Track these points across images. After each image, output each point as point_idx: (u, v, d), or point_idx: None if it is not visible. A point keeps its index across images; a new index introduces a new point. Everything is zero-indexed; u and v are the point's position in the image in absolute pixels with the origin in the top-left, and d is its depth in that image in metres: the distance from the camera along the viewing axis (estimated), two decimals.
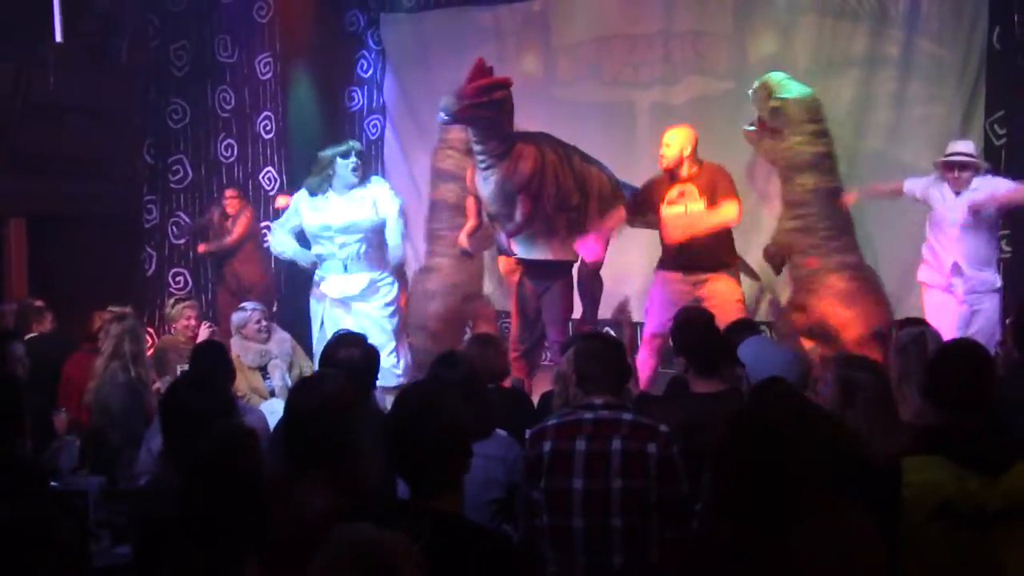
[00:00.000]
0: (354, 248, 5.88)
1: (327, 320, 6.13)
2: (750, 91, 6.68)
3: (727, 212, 6.16)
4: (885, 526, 2.43)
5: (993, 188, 6.05)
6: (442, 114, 5.99)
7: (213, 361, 4.31)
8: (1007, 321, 5.83)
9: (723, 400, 3.38)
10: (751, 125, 6.72)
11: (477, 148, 6.10)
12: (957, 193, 6.07)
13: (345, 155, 5.90)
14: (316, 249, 6.07)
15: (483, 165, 6.14)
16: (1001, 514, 2.43)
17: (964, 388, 2.56)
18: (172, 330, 6.48)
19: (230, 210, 8.18)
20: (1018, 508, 2.44)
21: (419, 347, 6.70)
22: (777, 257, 6.70)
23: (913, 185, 6.35)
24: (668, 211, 6.28)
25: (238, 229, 8.05)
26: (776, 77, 6.62)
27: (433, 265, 7.11)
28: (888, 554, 2.38)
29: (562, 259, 6.55)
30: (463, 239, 6.61)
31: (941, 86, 7.38)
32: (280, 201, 7.39)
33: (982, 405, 2.56)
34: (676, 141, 6.21)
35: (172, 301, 6.65)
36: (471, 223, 6.58)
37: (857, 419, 2.90)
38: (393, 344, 6.12)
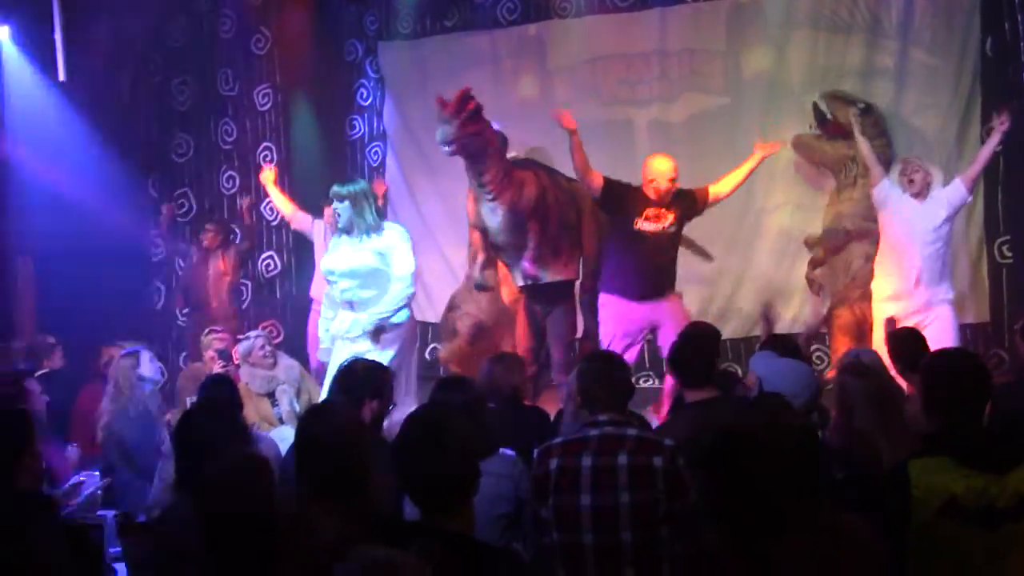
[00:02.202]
0: (354, 293, 5.62)
1: (337, 357, 5.67)
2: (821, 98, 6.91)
3: (734, 178, 6.36)
4: (895, 527, 2.48)
5: (950, 196, 6.15)
6: (444, 147, 6.05)
7: (219, 392, 4.35)
8: (1016, 327, 5.86)
9: (713, 406, 3.44)
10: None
11: (481, 180, 6.15)
12: (918, 199, 6.16)
13: (339, 199, 5.57)
14: (329, 290, 5.90)
15: (489, 196, 6.17)
16: (1010, 511, 2.46)
17: (960, 397, 2.59)
18: (204, 357, 6.51)
19: (206, 243, 8.12)
20: None
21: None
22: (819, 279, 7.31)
23: (881, 191, 6.36)
24: (647, 226, 6.12)
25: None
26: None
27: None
28: (896, 555, 2.43)
29: (566, 279, 6.59)
30: (476, 274, 6.67)
31: (936, 95, 7.43)
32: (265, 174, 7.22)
33: (978, 411, 2.59)
34: (671, 172, 6.11)
35: (207, 331, 6.62)
36: (481, 256, 6.62)
37: (861, 423, 2.96)
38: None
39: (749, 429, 2.31)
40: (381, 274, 5.62)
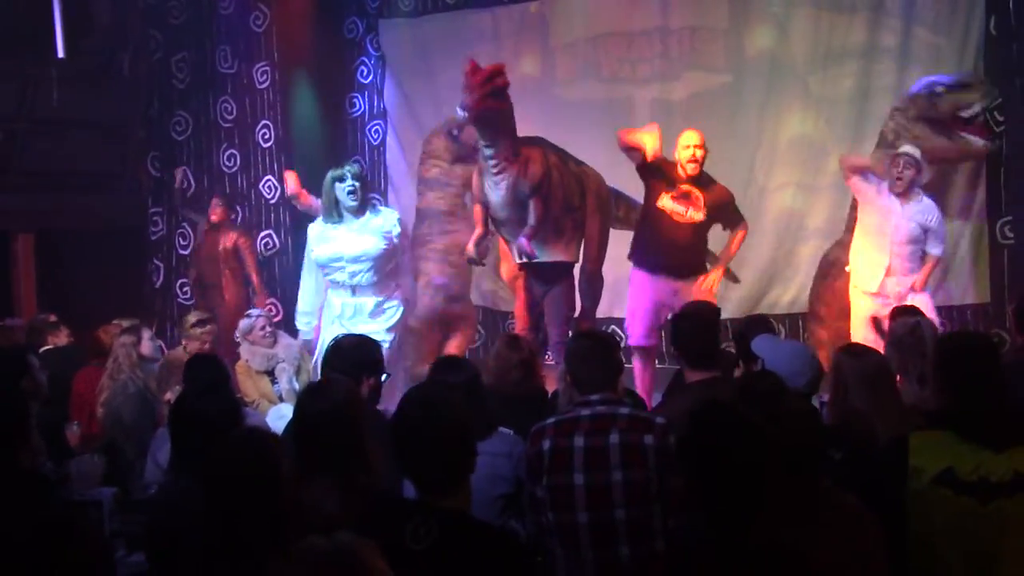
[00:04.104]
0: (364, 276, 5.84)
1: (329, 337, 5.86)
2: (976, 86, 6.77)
3: (739, 237, 6.40)
4: (892, 495, 2.51)
5: (933, 223, 6.15)
6: (460, 111, 6.05)
7: (211, 371, 4.35)
8: (1009, 307, 5.86)
9: (714, 386, 3.45)
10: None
11: (489, 152, 6.12)
12: (901, 199, 6.10)
13: (340, 179, 5.78)
14: (328, 276, 6.00)
15: (495, 170, 6.16)
16: (1003, 486, 2.49)
17: (974, 375, 2.62)
18: (185, 345, 6.38)
19: (214, 217, 8.17)
20: (1020, 482, 2.51)
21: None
22: None
23: (862, 184, 6.35)
24: (668, 203, 6.16)
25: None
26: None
27: (420, 268, 7.23)
28: (893, 523, 2.46)
29: (566, 260, 6.59)
30: (471, 248, 6.65)
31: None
32: (288, 182, 7.08)
33: (986, 390, 2.62)
34: (702, 143, 6.16)
35: (194, 319, 6.37)
36: (478, 231, 6.61)
37: (855, 403, 2.99)
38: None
39: (723, 405, 2.34)
40: (386, 255, 5.80)
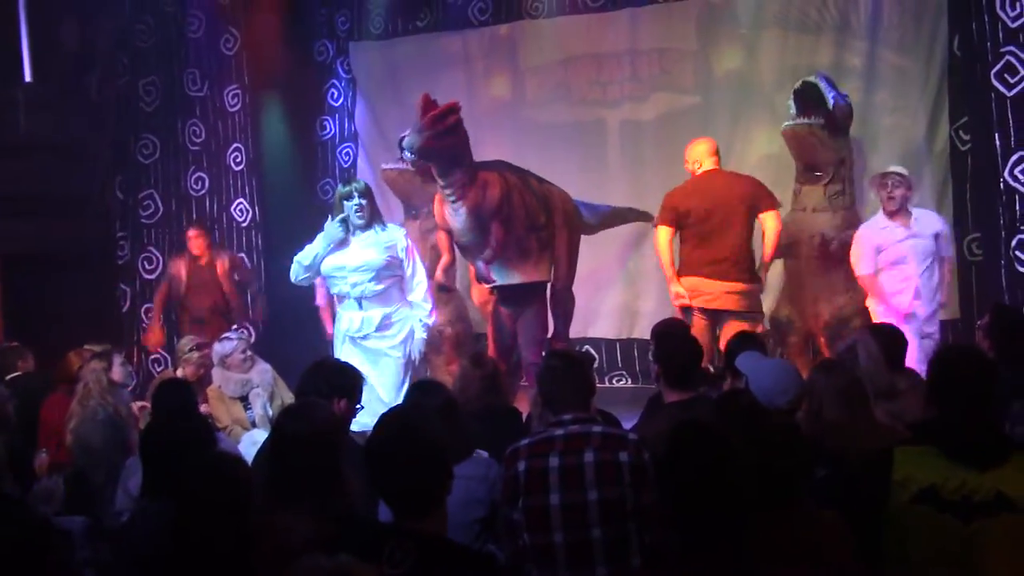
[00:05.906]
0: (366, 287, 5.72)
1: (343, 356, 5.68)
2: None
3: (771, 231, 6.35)
4: (871, 509, 2.51)
5: (930, 228, 6.13)
6: (407, 153, 6.08)
7: (177, 396, 4.29)
8: (978, 322, 5.91)
9: (690, 406, 3.47)
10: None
11: (443, 182, 6.19)
12: (897, 220, 6.04)
13: (348, 197, 5.73)
14: (333, 288, 5.96)
15: (452, 198, 6.21)
16: (985, 505, 2.50)
17: (966, 390, 2.62)
18: (179, 368, 6.29)
19: (195, 251, 7.92)
20: (1003, 502, 2.50)
21: None
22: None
23: (865, 233, 6.22)
24: None
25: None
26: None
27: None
28: (870, 537, 2.46)
29: (536, 280, 6.59)
30: (439, 275, 6.65)
31: (905, 95, 7.49)
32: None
33: (975, 408, 2.62)
34: (694, 153, 6.33)
35: (190, 344, 6.28)
36: (446, 258, 6.62)
37: (829, 419, 3.01)
38: (402, 380, 5.75)
39: (701, 425, 2.34)
40: (389, 268, 5.72)
